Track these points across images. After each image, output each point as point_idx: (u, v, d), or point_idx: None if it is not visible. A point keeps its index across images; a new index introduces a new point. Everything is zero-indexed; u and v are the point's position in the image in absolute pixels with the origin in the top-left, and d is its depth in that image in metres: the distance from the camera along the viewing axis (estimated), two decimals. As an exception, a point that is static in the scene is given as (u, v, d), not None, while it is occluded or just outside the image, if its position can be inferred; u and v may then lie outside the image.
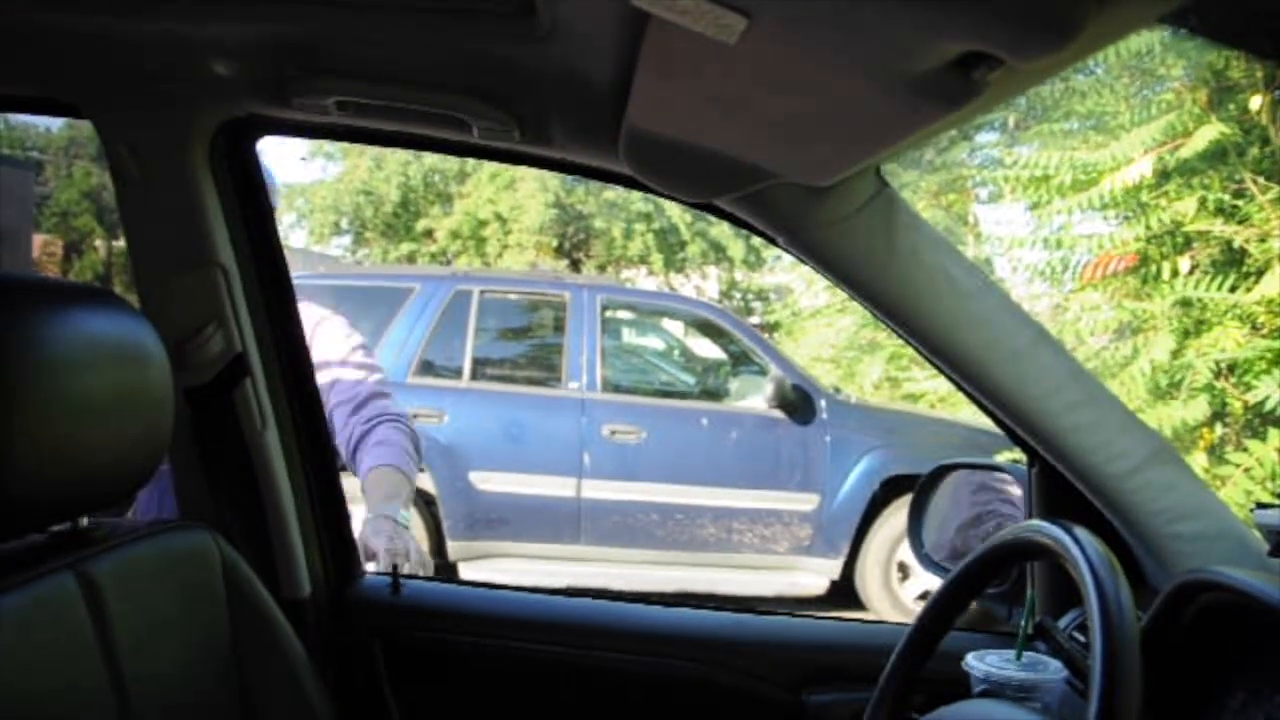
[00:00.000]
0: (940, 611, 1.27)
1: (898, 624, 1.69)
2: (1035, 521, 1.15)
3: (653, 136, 1.18)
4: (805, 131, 1.01)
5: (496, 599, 1.82)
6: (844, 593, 5.59)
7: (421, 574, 1.87)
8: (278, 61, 1.33)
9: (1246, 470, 4.11)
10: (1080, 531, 1.04)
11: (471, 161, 13.68)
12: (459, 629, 1.71)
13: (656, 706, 1.63)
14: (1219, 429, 4.70)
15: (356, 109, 1.39)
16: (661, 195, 1.49)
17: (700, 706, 1.61)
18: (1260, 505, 1.27)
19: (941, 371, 1.43)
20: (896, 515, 5.51)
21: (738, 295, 14.78)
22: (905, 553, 5.49)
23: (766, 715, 1.59)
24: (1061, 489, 1.44)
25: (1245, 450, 4.23)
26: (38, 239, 18.91)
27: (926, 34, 0.69)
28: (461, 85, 1.30)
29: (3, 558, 1.10)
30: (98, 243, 20.83)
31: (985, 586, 1.28)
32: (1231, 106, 4.57)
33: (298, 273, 2.03)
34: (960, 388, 1.44)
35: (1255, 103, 4.39)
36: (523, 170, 13.75)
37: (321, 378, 1.92)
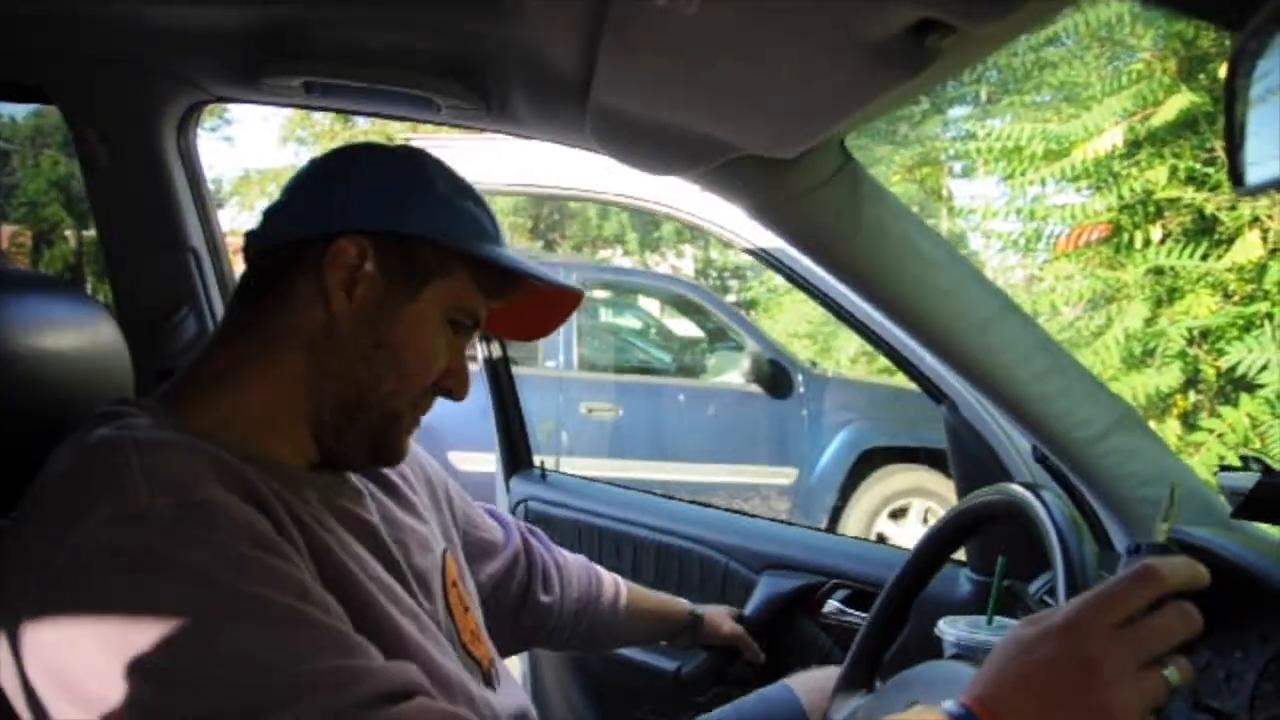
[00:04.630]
0: (911, 578, 1.29)
1: (839, 536, 2.09)
2: (1003, 485, 1.17)
3: (618, 113, 1.18)
4: (767, 103, 1.02)
5: None
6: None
7: None
8: (246, 43, 1.33)
9: (1219, 436, 4.15)
10: (1047, 494, 1.05)
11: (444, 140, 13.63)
12: None
13: (669, 568, 2.03)
14: (1192, 396, 4.75)
15: (324, 90, 1.39)
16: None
17: (699, 574, 2.00)
18: (1224, 468, 1.30)
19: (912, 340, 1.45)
20: (875, 487, 5.55)
21: (713, 273, 14.78)
22: (884, 524, 5.54)
23: (737, 583, 1.94)
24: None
25: (1218, 416, 4.28)
26: (6, 229, 18.70)
27: (876, 2, 0.70)
28: (429, 65, 1.30)
29: None
30: (67, 232, 20.61)
31: (955, 551, 1.30)
32: (1202, 76, 4.59)
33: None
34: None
35: (1224, 70, 4.42)
36: (497, 151, 13.69)
37: None
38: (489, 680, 1.16)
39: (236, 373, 1.02)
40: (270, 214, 1.08)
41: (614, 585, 1.58)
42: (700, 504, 2.24)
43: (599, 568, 1.59)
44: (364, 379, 1.03)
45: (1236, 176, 0.57)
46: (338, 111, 1.60)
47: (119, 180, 1.58)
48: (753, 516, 2.24)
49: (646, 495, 2.27)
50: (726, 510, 2.25)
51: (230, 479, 0.89)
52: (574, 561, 1.57)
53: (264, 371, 1.02)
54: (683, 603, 1.67)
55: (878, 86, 0.86)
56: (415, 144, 1.14)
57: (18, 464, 1.06)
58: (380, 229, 1.02)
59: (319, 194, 1.07)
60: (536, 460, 2.38)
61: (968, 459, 1.70)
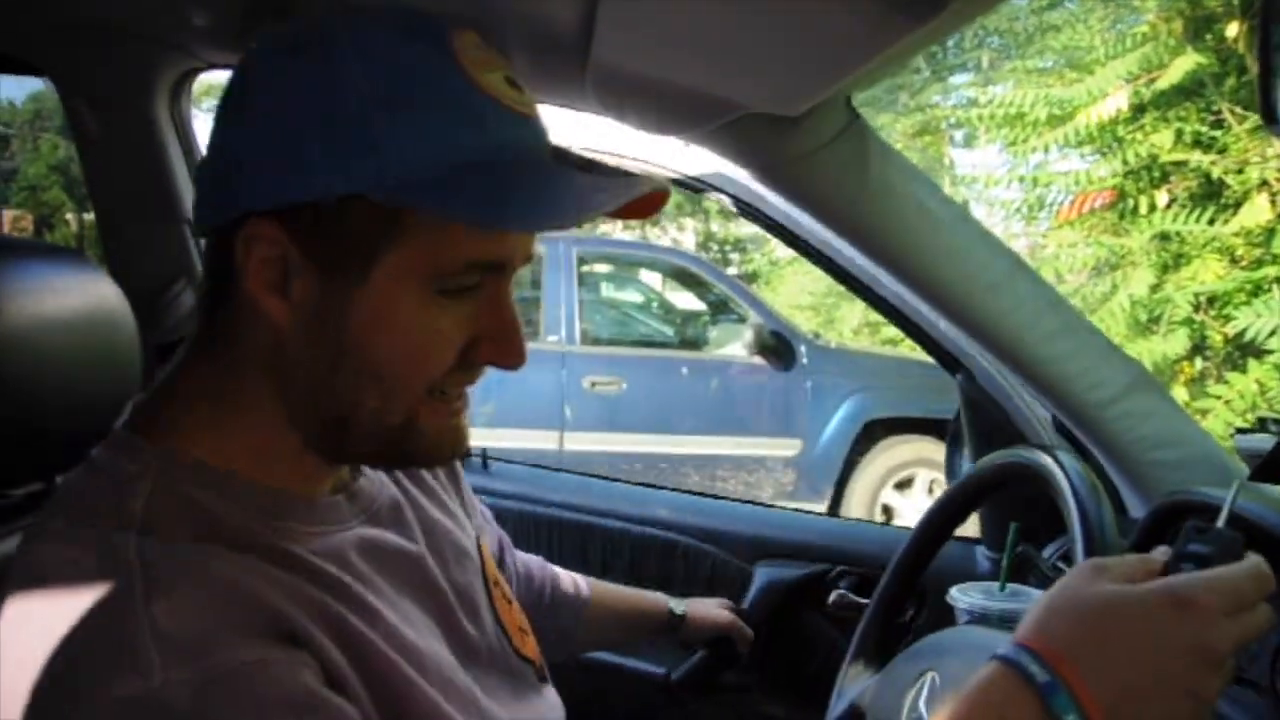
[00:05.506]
0: (925, 542, 1.27)
1: (841, 519, 2.00)
2: (1018, 448, 1.15)
3: (619, 72, 1.16)
4: (771, 58, 0.99)
5: None
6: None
7: None
8: (236, 7, 1.30)
9: (1227, 402, 4.13)
10: (1064, 456, 1.03)
11: (444, 119, 13.56)
12: None
13: (646, 564, 1.84)
14: (1199, 362, 4.73)
15: (318, 54, 1.36)
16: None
17: (683, 568, 1.82)
18: (1240, 430, 1.28)
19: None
20: (880, 458, 5.54)
21: (714, 246, 14.75)
22: (889, 495, 5.53)
23: (728, 576, 1.78)
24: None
25: (1225, 382, 4.25)
26: (6, 214, 18.72)
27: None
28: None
29: None
30: (68, 216, 20.60)
31: (967, 516, 1.28)
32: (1208, 37, 4.55)
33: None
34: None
35: (1232, 30, 4.37)
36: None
37: None
38: (543, 676, 1.04)
39: (217, 399, 0.81)
40: (196, 178, 0.82)
41: (574, 586, 1.38)
42: (679, 490, 2.06)
43: (556, 568, 1.39)
44: (336, 400, 0.78)
45: (1269, 114, 0.56)
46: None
47: (112, 152, 1.56)
48: (739, 501, 2.08)
49: (613, 482, 2.04)
50: (710, 496, 2.07)
51: (257, 613, 0.71)
52: (531, 562, 1.36)
53: (236, 402, 0.80)
54: (660, 599, 1.48)
55: (887, 36, 0.84)
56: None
57: (24, 437, 1.04)
58: (284, 204, 0.73)
59: (216, 153, 0.78)
60: (475, 446, 2.00)
61: (986, 430, 1.63)
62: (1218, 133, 4.54)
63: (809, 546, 1.76)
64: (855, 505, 5.58)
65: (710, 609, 1.55)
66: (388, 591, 0.85)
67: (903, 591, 1.29)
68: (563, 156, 0.78)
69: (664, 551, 1.82)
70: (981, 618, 1.18)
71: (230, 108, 0.78)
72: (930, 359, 1.69)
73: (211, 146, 0.78)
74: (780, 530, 1.82)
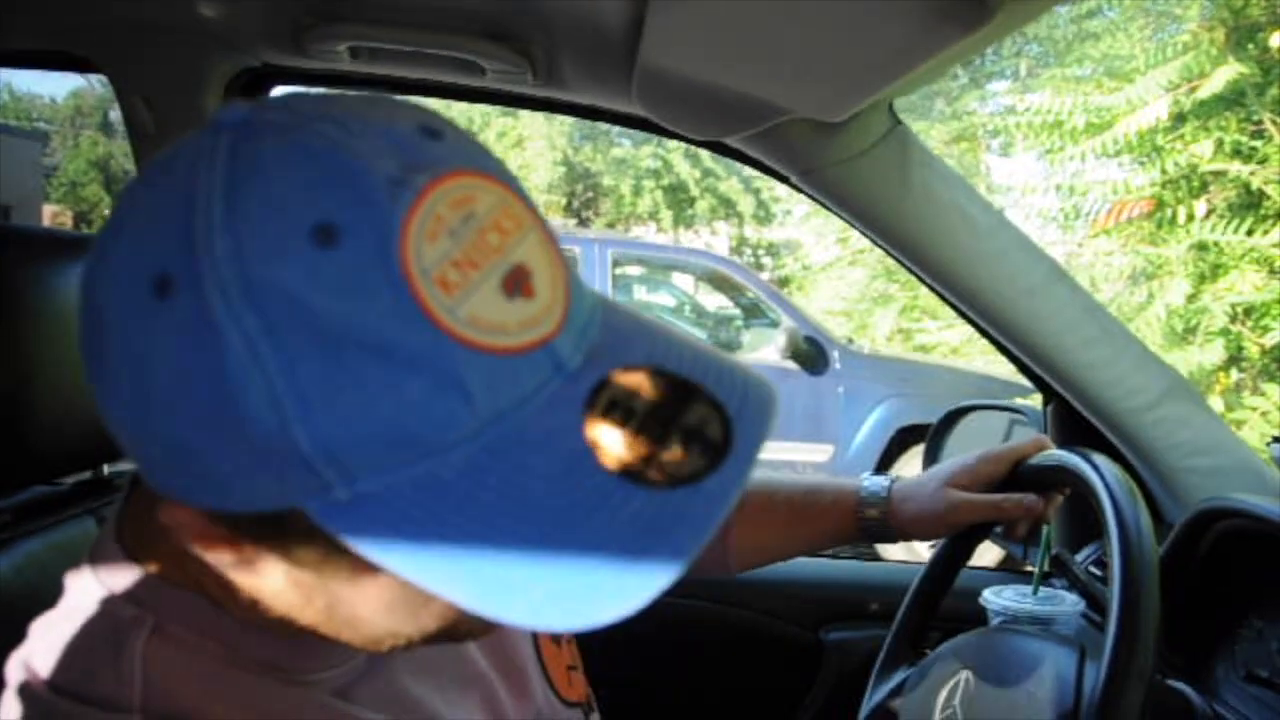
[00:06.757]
0: (956, 546, 1.28)
1: (914, 563, 1.75)
2: (1053, 451, 1.15)
3: (665, 74, 1.17)
4: (817, 64, 1.01)
5: None
6: (859, 542, 5.62)
7: None
8: (290, 7, 1.33)
9: (1263, 414, 4.10)
10: (1100, 459, 1.04)
11: (478, 120, 13.64)
12: None
13: (681, 645, 1.66)
14: (1235, 373, 4.69)
15: (370, 55, 1.39)
16: (674, 136, 1.48)
17: (721, 643, 1.63)
18: (1277, 439, 1.28)
19: (956, 310, 1.43)
20: (911, 464, 5.51)
21: (748, 250, 14.75)
22: (920, 501, 5.50)
23: (786, 651, 1.63)
24: (1077, 426, 1.44)
25: (1261, 394, 4.22)
26: (47, 209, 18.99)
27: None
28: (475, 27, 1.29)
29: (25, 505, 1.11)
30: (107, 211, 20.83)
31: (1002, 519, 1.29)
32: (1251, 46, 4.51)
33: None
34: (976, 325, 1.43)
35: (1275, 40, 4.34)
36: (530, 129, 13.71)
37: None
38: (590, 708, 0.92)
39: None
40: None
41: None
42: None
43: None
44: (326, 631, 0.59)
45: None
46: (383, 81, 1.55)
47: (166, 148, 1.58)
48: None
49: None
50: None
51: None
52: None
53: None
54: (842, 487, 1.17)
55: (933, 45, 0.85)
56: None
57: (69, 428, 1.07)
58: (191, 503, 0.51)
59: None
60: None
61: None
62: (1258, 143, 4.51)
63: (881, 600, 1.58)
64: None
65: (925, 491, 1.13)
66: (424, 703, 0.72)
67: (939, 589, 1.30)
68: (616, 404, 0.51)
69: (713, 625, 1.65)
70: (1014, 620, 1.19)
71: (86, 347, 0.50)
72: (960, 365, 1.69)
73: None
74: (844, 585, 1.65)
